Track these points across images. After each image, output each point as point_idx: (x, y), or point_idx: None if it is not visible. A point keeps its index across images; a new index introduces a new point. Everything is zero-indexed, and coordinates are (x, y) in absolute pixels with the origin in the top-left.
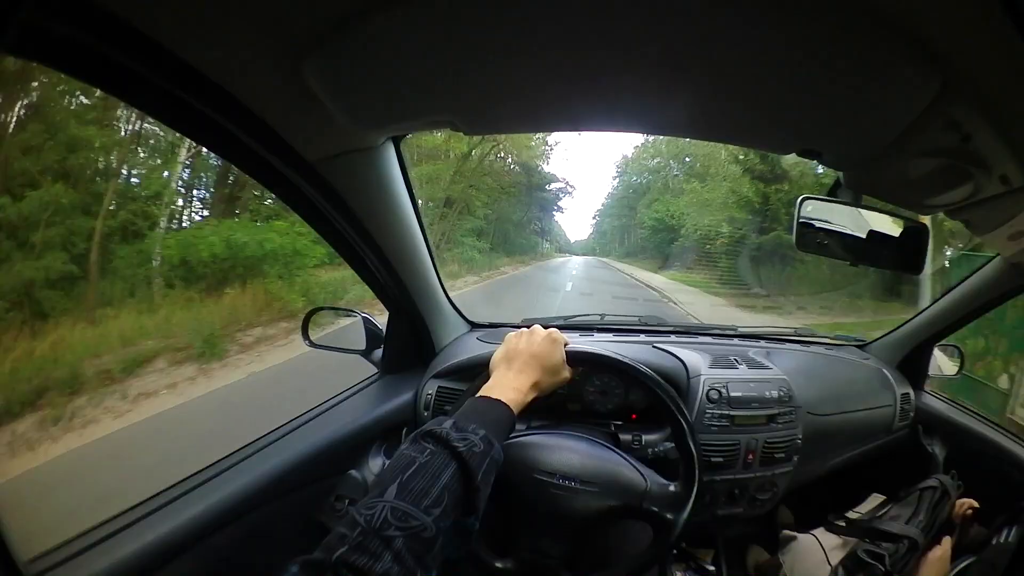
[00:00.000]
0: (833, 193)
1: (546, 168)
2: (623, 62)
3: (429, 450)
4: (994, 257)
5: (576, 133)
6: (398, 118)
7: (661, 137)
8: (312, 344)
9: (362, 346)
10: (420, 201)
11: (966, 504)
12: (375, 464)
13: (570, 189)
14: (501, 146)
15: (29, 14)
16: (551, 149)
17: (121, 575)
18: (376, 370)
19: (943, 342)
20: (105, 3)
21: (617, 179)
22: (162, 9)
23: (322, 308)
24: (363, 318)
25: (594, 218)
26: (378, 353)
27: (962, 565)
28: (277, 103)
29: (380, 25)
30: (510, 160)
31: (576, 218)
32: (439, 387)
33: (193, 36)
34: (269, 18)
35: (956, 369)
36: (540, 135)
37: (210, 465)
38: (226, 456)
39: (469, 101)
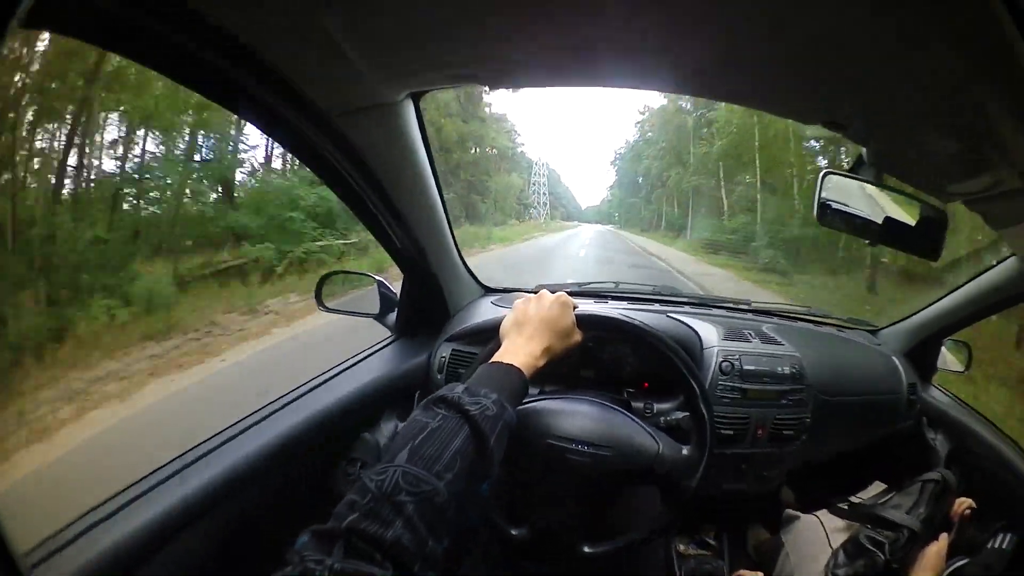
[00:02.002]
0: (855, 170)
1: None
2: (652, 14)
3: (441, 415)
4: (1011, 256)
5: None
6: (421, 69)
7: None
8: (325, 308)
9: (376, 310)
10: None
11: (965, 503)
12: (388, 427)
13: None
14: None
15: None
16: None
17: (134, 546)
18: (390, 333)
19: (953, 337)
20: None
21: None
22: None
23: (336, 272)
24: (378, 281)
25: (611, 186)
26: (392, 317)
27: (956, 565)
28: (298, 53)
29: None
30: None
31: (589, 183)
32: (453, 350)
33: None
34: None
35: (964, 366)
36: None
37: (223, 430)
38: (239, 420)
39: (493, 51)
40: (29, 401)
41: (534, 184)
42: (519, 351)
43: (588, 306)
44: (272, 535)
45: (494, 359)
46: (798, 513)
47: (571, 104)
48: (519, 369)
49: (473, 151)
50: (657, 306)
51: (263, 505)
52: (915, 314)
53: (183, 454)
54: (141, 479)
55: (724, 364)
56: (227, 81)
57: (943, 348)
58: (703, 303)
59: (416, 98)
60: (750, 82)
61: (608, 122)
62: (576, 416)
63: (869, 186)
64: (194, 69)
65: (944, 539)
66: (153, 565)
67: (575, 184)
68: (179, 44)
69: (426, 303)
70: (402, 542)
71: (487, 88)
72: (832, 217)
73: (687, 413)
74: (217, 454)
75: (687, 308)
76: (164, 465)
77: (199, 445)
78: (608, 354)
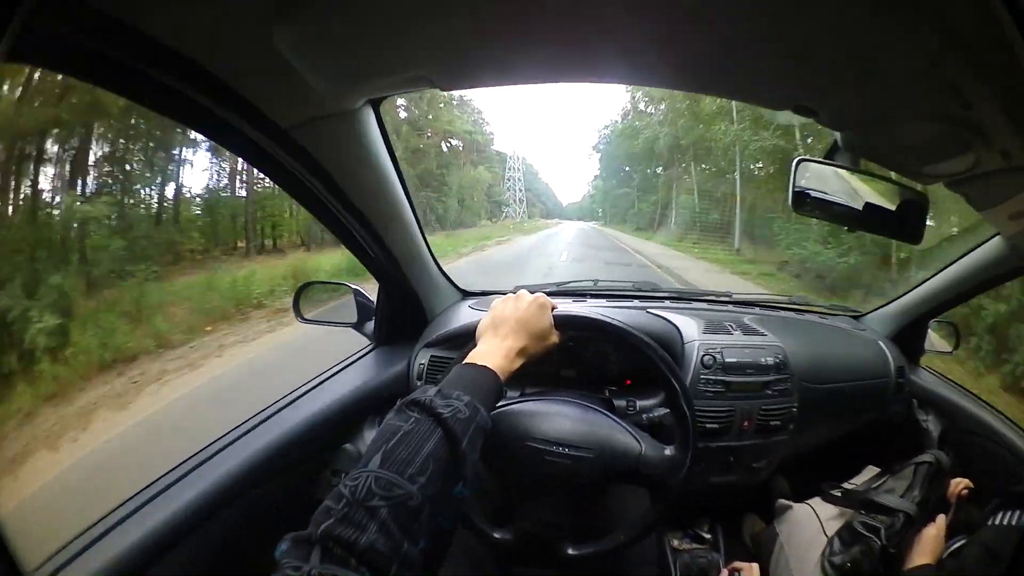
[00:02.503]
0: (831, 156)
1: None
2: (610, 7)
3: (414, 418)
4: (995, 236)
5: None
6: (372, 75)
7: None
8: (304, 319)
9: (354, 319)
10: None
11: (962, 484)
12: (370, 436)
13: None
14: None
15: None
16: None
17: (134, 561)
18: (369, 343)
19: (939, 318)
20: None
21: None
22: None
23: (313, 283)
24: (354, 290)
25: (593, 180)
26: (370, 325)
27: (955, 546)
28: (246, 68)
29: None
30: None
31: (569, 179)
32: (431, 356)
33: (157, 8)
34: None
35: (952, 346)
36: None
37: (205, 447)
38: (220, 436)
39: (444, 52)
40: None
41: (509, 180)
42: (494, 352)
43: (567, 305)
44: (259, 548)
45: (468, 360)
46: (791, 503)
47: (546, 99)
48: (493, 371)
49: (427, 137)
50: (637, 302)
51: (250, 518)
52: (899, 297)
53: (168, 472)
54: (128, 500)
55: (706, 358)
56: (182, 100)
57: (929, 330)
58: (682, 297)
59: (375, 105)
60: (715, 69)
61: (585, 117)
62: (555, 417)
63: (845, 172)
64: (150, 90)
65: (941, 520)
66: (162, 567)
67: (555, 181)
68: (134, 67)
69: (403, 310)
70: (376, 546)
71: (441, 90)
72: (809, 205)
73: (669, 410)
74: (200, 471)
75: (667, 303)
76: (149, 485)
77: (185, 462)
78: (589, 353)
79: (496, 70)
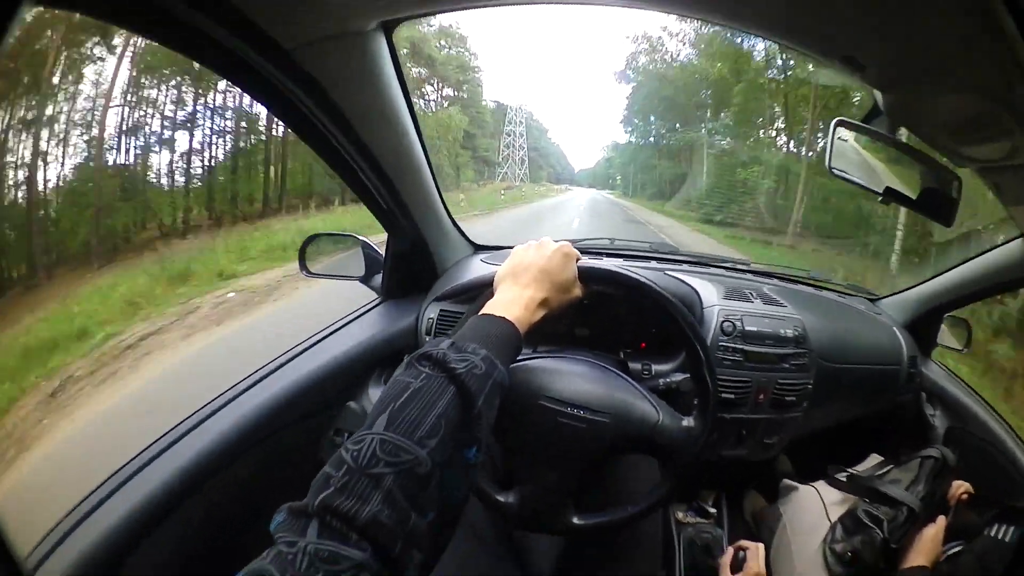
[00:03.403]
0: (869, 120)
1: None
2: None
3: (424, 374)
4: (1018, 237)
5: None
6: None
7: None
8: (309, 273)
9: (361, 272)
10: None
11: (963, 488)
12: (375, 394)
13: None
14: None
15: None
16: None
17: (122, 537)
18: (376, 296)
19: (953, 313)
20: None
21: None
22: None
23: (318, 235)
24: (362, 242)
25: (609, 145)
26: (378, 279)
27: (952, 551)
28: None
29: None
30: None
31: (583, 144)
32: (441, 310)
33: None
34: None
35: (963, 344)
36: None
37: (204, 405)
38: (219, 395)
39: None
40: None
41: (508, 136)
42: (514, 302)
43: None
44: (259, 515)
45: (485, 311)
46: (796, 484)
47: (563, 56)
48: (512, 323)
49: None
50: (654, 263)
51: (252, 479)
52: (917, 285)
53: (169, 431)
54: (132, 459)
55: (725, 324)
56: (172, 18)
57: (942, 325)
58: (701, 261)
59: (388, 31)
60: (765, 4)
61: (604, 81)
62: (572, 377)
63: (883, 142)
64: (131, 8)
65: (942, 522)
66: (152, 541)
67: (567, 144)
68: None
69: (412, 262)
70: (380, 519)
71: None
72: (844, 168)
73: (687, 375)
74: (201, 429)
75: (685, 266)
76: (148, 447)
77: (183, 421)
78: (605, 313)
79: None
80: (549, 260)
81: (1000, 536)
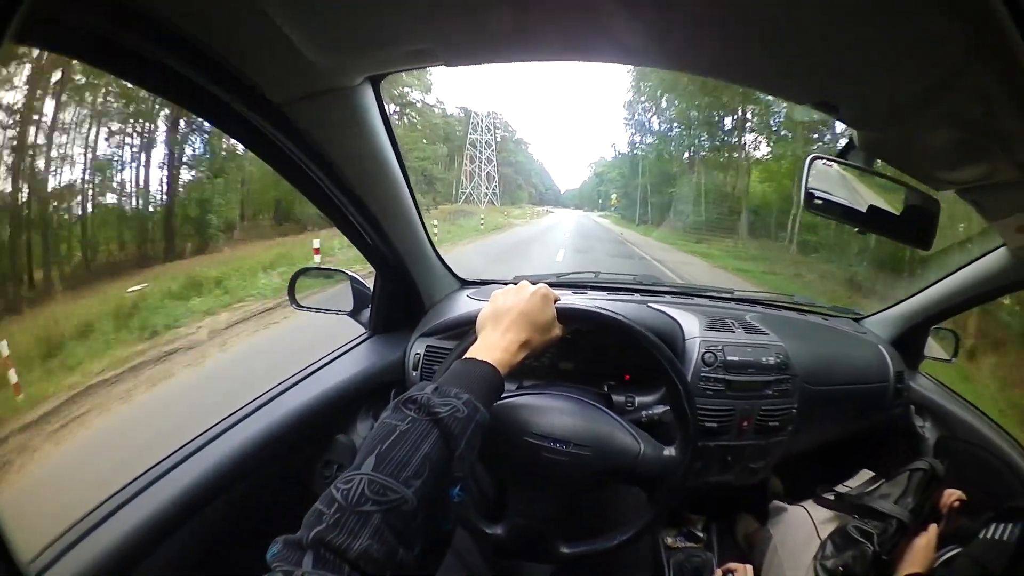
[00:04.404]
0: (845, 154)
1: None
2: None
3: (410, 417)
4: (1000, 247)
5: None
6: (372, 46)
7: None
8: (298, 306)
9: (349, 306)
10: None
11: (955, 496)
12: (363, 427)
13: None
14: None
15: None
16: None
17: (116, 561)
18: (364, 331)
19: (939, 326)
20: None
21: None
22: None
23: (309, 269)
24: (350, 277)
25: (591, 165)
26: (366, 313)
27: (946, 556)
28: (235, 39)
29: None
30: None
31: (568, 163)
32: (428, 346)
33: None
34: None
35: (951, 354)
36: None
37: (197, 436)
38: (212, 425)
39: (451, 23)
40: None
41: (472, 147)
42: (495, 346)
43: (569, 298)
44: (251, 541)
45: (468, 355)
46: (785, 505)
47: (546, 76)
48: (493, 366)
49: None
50: (638, 296)
51: (244, 510)
52: (901, 302)
53: (156, 464)
54: (129, 483)
55: (707, 355)
56: (167, 72)
57: (929, 336)
58: (684, 292)
59: (375, 82)
60: (741, 58)
61: (590, 100)
62: (555, 413)
63: (858, 172)
64: (133, 63)
65: (933, 530)
66: (150, 563)
67: (553, 161)
68: (124, 43)
69: (400, 298)
70: (370, 552)
71: (447, 66)
72: (820, 204)
73: (668, 408)
74: (193, 460)
75: (668, 298)
76: (140, 476)
77: (176, 452)
78: (588, 346)
79: (510, 44)
80: (528, 303)
81: (999, 536)
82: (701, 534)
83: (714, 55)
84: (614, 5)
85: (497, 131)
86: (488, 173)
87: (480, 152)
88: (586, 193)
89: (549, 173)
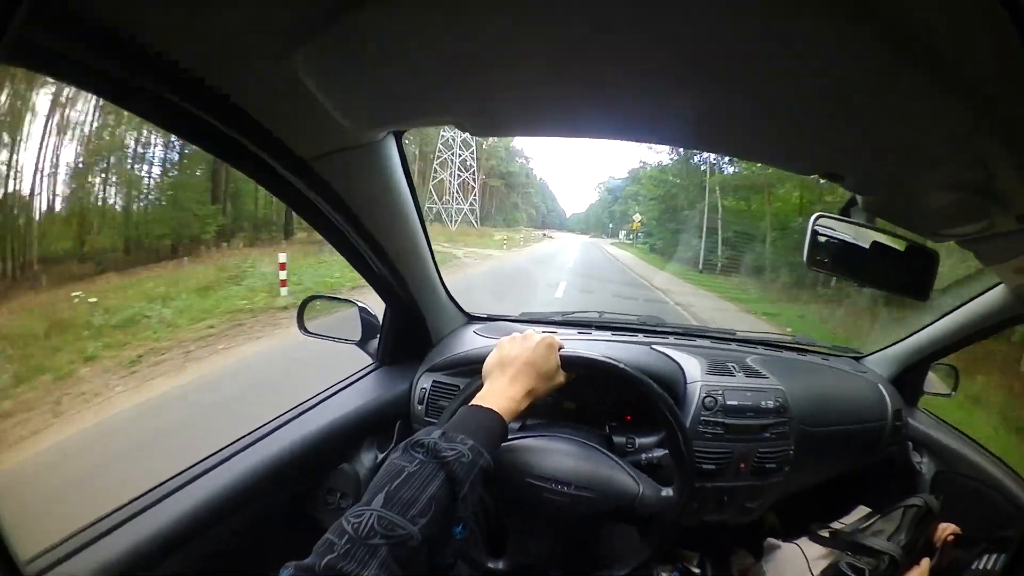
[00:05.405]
0: (847, 212)
1: None
2: (635, 70)
3: (418, 460)
4: (998, 284)
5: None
6: (397, 117)
7: None
8: (307, 332)
9: (357, 336)
10: None
11: (949, 529)
12: (367, 458)
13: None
14: None
15: (21, 26)
16: None
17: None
18: (372, 361)
19: (939, 362)
20: (90, 11)
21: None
22: (148, 8)
23: (319, 296)
24: (359, 308)
25: (599, 186)
26: (374, 344)
27: None
28: (268, 99)
29: (374, 16)
30: None
31: (575, 186)
32: (434, 381)
33: (179, 34)
34: (256, 12)
35: (950, 389)
36: None
37: (203, 459)
38: (219, 450)
39: (472, 101)
40: None
41: (445, 148)
42: (501, 394)
43: (573, 342)
44: (252, 563)
45: (475, 401)
46: (779, 542)
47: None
48: (498, 414)
49: None
50: (641, 337)
51: (245, 533)
52: (902, 340)
53: (164, 483)
54: (121, 507)
55: (707, 400)
56: (205, 127)
57: (929, 373)
58: (687, 333)
59: (398, 136)
60: (748, 135)
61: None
62: (557, 455)
63: (858, 227)
64: (170, 111)
65: (926, 564)
66: None
67: (557, 186)
68: (158, 93)
69: (408, 331)
70: None
71: (471, 135)
72: (822, 260)
73: (667, 451)
74: (199, 482)
75: (671, 339)
76: (145, 493)
77: (182, 473)
78: (591, 387)
79: (523, 122)
80: (533, 352)
81: (988, 567)
82: (696, 570)
83: (733, 137)
84: (628, 95)
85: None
86: (465, 183)
87: (455, 156)
88: (593, 215)
89: (555, 196)
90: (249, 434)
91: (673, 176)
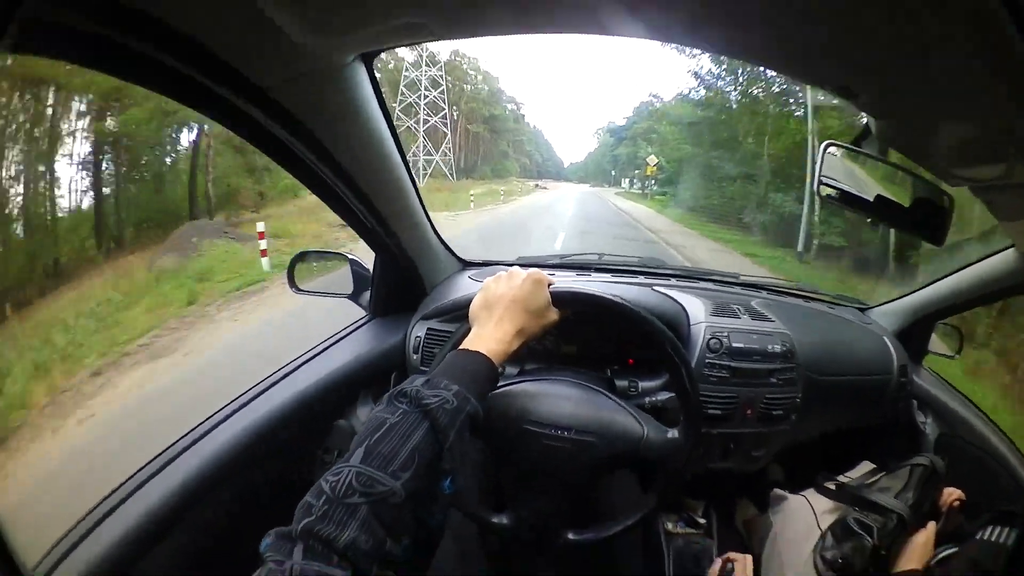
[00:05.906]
0: (859, 142)
1: None
2: None
3: (401, 410)
4: (1009, 247)
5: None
6: (360, 24)
7: None
8: (298, 290)
9: (350, 289)
10: None
11: (954, 495)
12: (363, 412)
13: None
14: None
15: None
16: None
17: (116, 561)
18: (365, 313)
19: (944, 321)
20: None
21: None
22: None
23: (307, 252)
24: (350, 260)
25: (598, 132)
26: (366, 296)
27: (943, 554)
28: (216, 24)
29: None
30: None
31: (572, 135)
32: (428, 328)
33: None
34: None
35: (955, 351)
36: None
37: (196, 426)
38: (211, 415)
39: None
40: None
41: (408, 92)
42: (488, 336)
43: (567, 281)
44: (253, 531)
45: (462, 346)
46: (786, 494)
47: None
48: (486, 356)
49: None
50: (642, 278)
51: (242, 500)
52: (908, 295)
53: (167, 449)
54: (130, 477)
55: (712, 341)
56: (153, 64)
57: (933, 332)
58: (690, 275)
59: (368, 60)
60: (760, 36)
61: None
62: (554, 399)
63: (872, 162)
64: (118, 54)
65: (932, 528)
66: (155, 554)
67: (554, 138)
68: (103, 33)
69: (401, 280)
70: (357, 544)
71: (440, 40)
72: (833, 192)
73: (672, 395)
74: (193, 451)
75: (673, 281)
76: (139, 471)
77: (171, 446)
78: (591, 330)
79: (508, 13)
80: (520, 289)
81: (996, 539)
82: (701, 520)
83: (732, 33)
84: None
85: (457, 68)
86: (434, 128)
87: (420, 98)
88: (593, 163)
89: (550, 143)
90: (237, 398)
91: (690, 111)
